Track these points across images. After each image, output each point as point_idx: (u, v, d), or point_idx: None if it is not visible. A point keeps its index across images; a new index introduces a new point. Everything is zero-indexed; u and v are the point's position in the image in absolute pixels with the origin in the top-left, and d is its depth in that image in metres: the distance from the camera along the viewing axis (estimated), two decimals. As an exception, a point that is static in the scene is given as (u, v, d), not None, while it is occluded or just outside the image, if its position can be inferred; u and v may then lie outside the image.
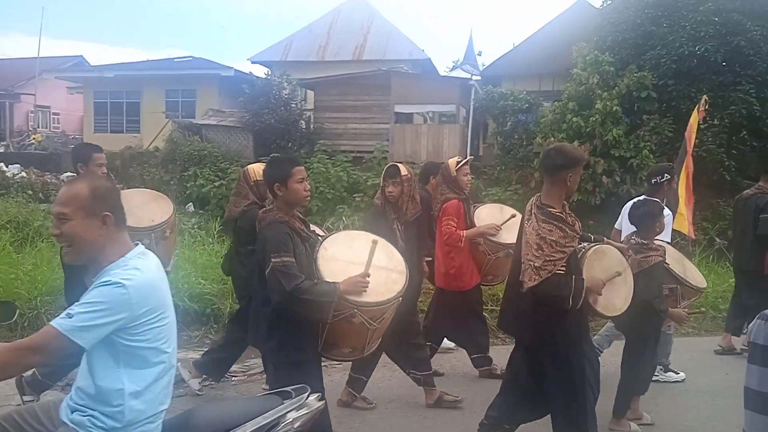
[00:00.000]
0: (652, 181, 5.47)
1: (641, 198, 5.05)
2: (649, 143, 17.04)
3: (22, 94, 29.41)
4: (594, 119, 16.92)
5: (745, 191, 6.63)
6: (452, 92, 20.87)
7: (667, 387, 5.42)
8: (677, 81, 17.47)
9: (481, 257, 5.37)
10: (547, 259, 3.43)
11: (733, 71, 17.18)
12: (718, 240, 16.87)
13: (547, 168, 3.78)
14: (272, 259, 3.12)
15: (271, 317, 3.26)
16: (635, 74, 17.36)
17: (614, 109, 16.91)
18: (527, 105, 20.18)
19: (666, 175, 5.42)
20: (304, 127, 22.05)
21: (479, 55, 36.78)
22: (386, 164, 20.37)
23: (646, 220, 4.42)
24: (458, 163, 5.27)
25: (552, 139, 17.52)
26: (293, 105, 21.48)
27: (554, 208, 3.61)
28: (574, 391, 3.51)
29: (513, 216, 5.35)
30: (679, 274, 4.42)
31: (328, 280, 3.18)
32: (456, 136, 20.53)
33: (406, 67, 23.34)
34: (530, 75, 22.54)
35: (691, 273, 4.62)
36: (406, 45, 25.29)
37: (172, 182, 19.92)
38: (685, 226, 7.36)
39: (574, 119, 17.21)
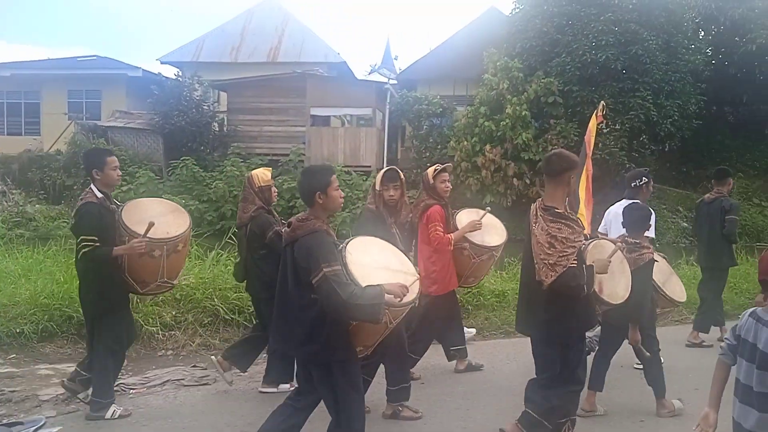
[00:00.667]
0: (632, 184, 5.77)
1: (630, 202, 5.31)
2: (556, 146, 17.69)
3: None
4: (504, 123, 17.44)
5: (707, 195, 7.16)
6: (368, 96, 20.94)
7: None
8: (581, 87, 18.29)
9: (465, 261, 5.43)
10: (561, 255, 3.66)
11: (632, 78, 18.17)
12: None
13: (551, 172, 3.93)
14: (324, 269, 3.16)
15: (314, 321, 3.30)
16: (542, 80, 18.05)
17: (523, 113, 17.51)
18: (441, 109, 20.55)
19: (644, 178, 5.74)
20: (217, 129, 21.50)
21: (396, 59, 37.35)
22: (302, 167, 20.08)
23: (640, 222, 4.69)
24: (435, 170, 5.27)
25: (465, 142, 17.92)
26: (205, 107, 20.88)
27: (558, 209, 3.81)
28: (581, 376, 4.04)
29: (486, 212, 5.57)
30: (657, 282, 4.73)
31: (361, 284, 3.23)
32: (373, 140, 20.60)
33: (322, 69, 23.21)
34: (445, 79, 22.95)
35: (672, 286, 4.91)
36: (322, 48, 25.15)
37: (75, 187, 18.87)
38: (585, 226, 7.66)
39: (486, 123, 17.68)
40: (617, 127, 18.16)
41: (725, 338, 2.87)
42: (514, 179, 17.45)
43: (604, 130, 18.13)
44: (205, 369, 5.57)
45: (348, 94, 20.89)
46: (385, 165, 20.76)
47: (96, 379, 4.48)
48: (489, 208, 5.76)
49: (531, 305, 3.94)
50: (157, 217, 4.42)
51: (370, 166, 20.23)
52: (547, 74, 18.43)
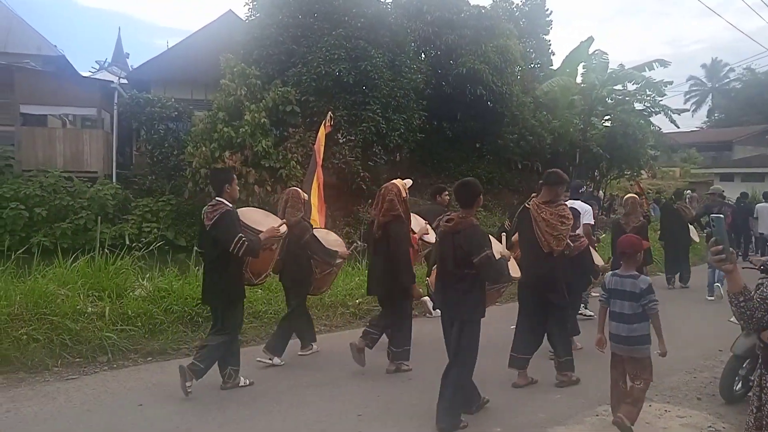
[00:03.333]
0: (580, 191, 6.66)
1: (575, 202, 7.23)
2: (296, 155, 18.06)
3: None
4: (244, 130, 17.26)
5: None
6: (93, 95, 19.08)
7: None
8: (318, 98, 18.93)
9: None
10: (563, 230, 5.40)
11: (363, 92, 19.33)
12: (358, 242, 18.83)
13: (552, 182, 5.47)
14: (486, 251, 4.44)
15: (466, 287, 4.55)
16: (280, 89, 18.27)
17: (262, 121, 17.53)
18: (177, 112, 19.61)
19: (584, 186, 6.54)
20: None
21: (128, 56, 34.76)
22: (11, 171, 17.40)
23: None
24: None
25: (204, 148, 17.31)
26: None
27: (553, 203, 5.47)
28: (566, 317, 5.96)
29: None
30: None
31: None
32: (100, 143, 18.80)
33: (35, 63, 20.51)
34: (182, 82, 21.96)
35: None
36: (34, 38, 22.14)
37: None
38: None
39: (225, 129, 17.31)
40: (352, 137, 19.17)
41: (601, 295, 4.61)
42: (255, 186, 17.35)
43: (340, 141, 19.05)
44: None
45: (68, 92, 18.77)
46: (114, 170, 19.11)
47: (209, 354, 5.23)
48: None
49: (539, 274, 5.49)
50: (261, 220, 5.68)
51: (96, 172, 18.44)
52: (284, 83, 18.72)
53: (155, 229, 16.82)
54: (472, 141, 23.58)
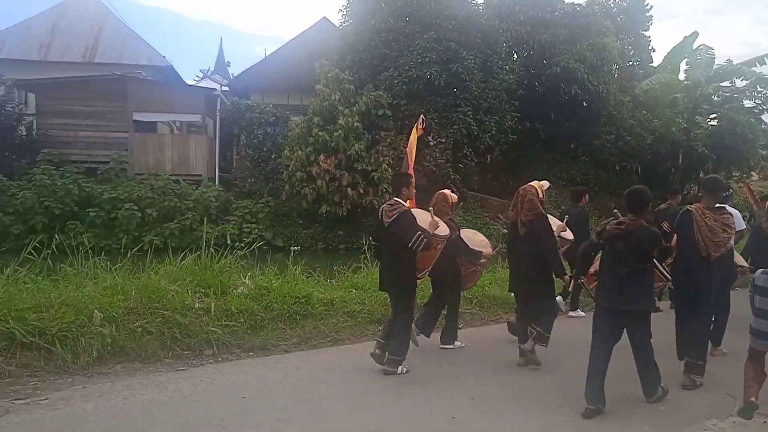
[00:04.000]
0: (724, 194, 6.66)
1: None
2: (387, 158, 18.30)
3: None
4: (338, 134, 17.70)
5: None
6: (197, 102, 20.16)
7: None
8: (409, 101, 19.10)
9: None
10: (724, 238, 5.60)
11: (454, 94, 19.32)
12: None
13: (713, 189, 5.81)
14: (661, 244, 5.18)
15: (644, 279, 5.06)
16: (372, 93, 18.58)
17: (355, 125, 17.90)
18: (274, 118, 20.38)
19: (730, 189, 6.85)
20: (24, 133, 19.37)
21: (229, 65, 36.50)
22: (125, 175, 18.60)
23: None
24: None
25: (299, 152, 17.90)
26: (9, 108, 18.77)
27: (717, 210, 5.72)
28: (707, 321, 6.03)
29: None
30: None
31: None
32: (204, 147, 19.85)
33: (146, 73, 21.94)
34: (279, 88, 22.80)
35: None
36: (145, 50, 23.73)
37: None
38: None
39: (320, 133, 17.81)
40: (442, 140, 19.19)
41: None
42: (349, 189, 17.74)
43: (431, 143, 19.10)
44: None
45: (175, 100, 19.94)
46: (217, 173, 20.12)
47: (397, 342, 5.86)
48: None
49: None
50: (426, 219, 6.01)
51: (200, 175, 19.47)
52: (377, 87, 19.02)
53: (254, 230, 17.53)
54: (566, 142, 22.98)
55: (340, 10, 21.69)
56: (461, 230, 7.05)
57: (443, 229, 6.15)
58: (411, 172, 7.85)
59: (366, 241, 10.47)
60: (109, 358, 5.96)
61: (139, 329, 6.31)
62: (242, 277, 7.91)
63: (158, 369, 5.98)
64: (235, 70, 29.48)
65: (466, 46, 19.49)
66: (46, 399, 5.08)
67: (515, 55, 22.50)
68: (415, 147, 8.13)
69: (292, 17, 79.36)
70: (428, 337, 6.78)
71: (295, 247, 14.80)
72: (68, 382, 5.51)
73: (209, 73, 30.84)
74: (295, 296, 7.43)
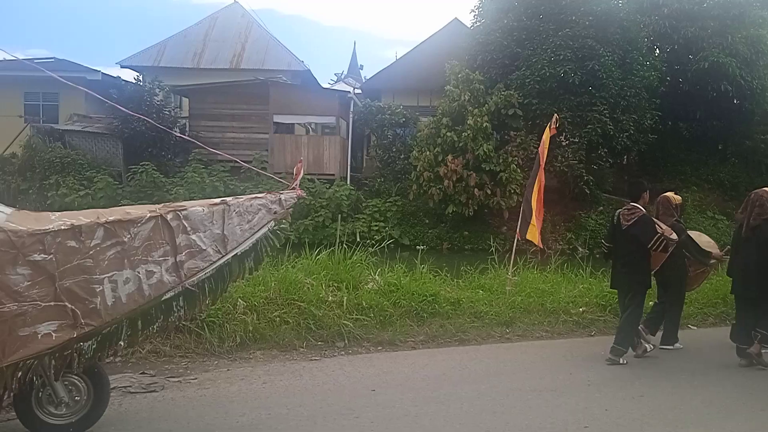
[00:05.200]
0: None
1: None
2: (516, 158, 17.99)
3: None
4: (466, 134, 17.67)
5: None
6: (332, 104, 20.99)
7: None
8: (540, 100, 18.64)
9: None
10: None
11: (589, 93, 18.58)
12: (581, 249, 18.16)
13: None
14: None
15: None
16: (503, 93, 18.34)
17: (484, 125, 17.77)
18: (404, 119, 20.72)
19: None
20: (178, 135, 21.23)
21: (362, 68, 37.56)
22: (266, 174, 19.77)
23: None
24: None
25: (428, 152, 18.12)
26: (166, 112, 20.63)
27: None
28: None
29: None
30: None
31: None
32: (337, 148, 20.64)
33: (286, 77, 23.17)
34: (409, 90, 23.16)
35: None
36: (286, 55, 25.13)
37: (30, 191, 18.47)
38: (536, 237, 7.87)
39: (448, 134, 17.88)
40: (575, 140, 18.53)
41: None
42: (476, 189, 17.66)
43: (563, 143, 18.52)
44: (153, 376, 5.52)
45: (311, 102, 20.91)
46: (348, 173, 20.84)
47: (623, 334, 6.28)
48: None
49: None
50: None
51: (333, 174, 20.26)
52: (507, 87, 18.75)
53: (383, 228, 17.96)
54: (713, 142, 21.37)
55: (472, 11, 21.67)
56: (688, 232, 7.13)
57: (672, 233, 6.34)
58: (541, 171, 7.70)
59: (493, 243, 10.40)
60: (250, 344, 6.35)
61: (277, 318, 6.69)
62: (372, 273, 8.15)
63: (294, 357, 6.31)
64: (367, 73, 30.36)
65: (604, 42, 18.68)
66: (195, 378, 5.54)
67: (657, 51, 21.24)
68: (547, 147, 7.95)
69: (423, 20, 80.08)
70: (653, 335, 6.89)
71: (421, 246, 14.99)
72: (214, 364, 5.95)
73: (343, 77, 31.97)
74: (422, 294, 7.52)
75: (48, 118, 22.75)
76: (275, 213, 4.45)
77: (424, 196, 18.29)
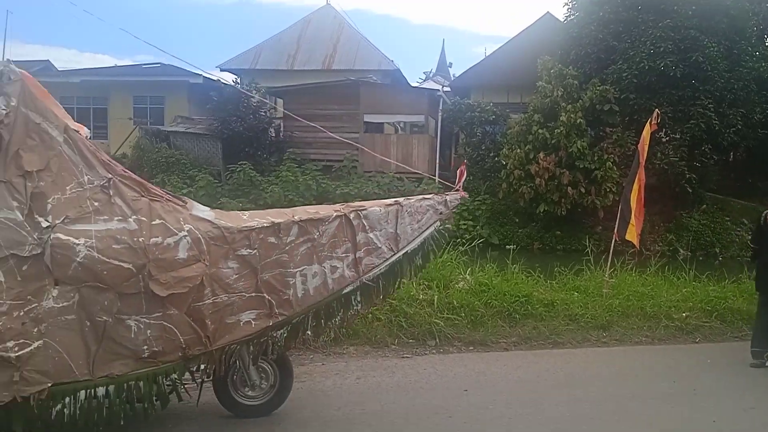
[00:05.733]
0: None
1: None
2: (612, 155, 17.36)
3: (-15, 97, 28.74)
4: (559, 131, 17.22)
5: None
6: (421, 103, 21.05)
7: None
8: (638, 95, 17.87)
9: None
10: None
11: (692, 86, 17.62)
12: (682, 251, 17.29)
13: None
14: None
15: None
16: (598, 88, 17.72)
17: (578, 121, 17.24)
18: (494, 116, 20.46)
19: None
20: (273, 135, 22.00)
21: (450, 66, 37.36)
22: (356, 172, 20.09)
23: None
24: None
25: (518, 150, 17.82)
26: (262, 113, 21.41)
27: None
28: None
29: None
30: None
31: None
32: (425, 146, 20.69)
33: (376, 77, 23.46)
34: (499, 87, 22.83)
35: None
36: (376, 55, 25.44)
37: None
38: (635, 237, 7.57)
39: (540, 131, 17.50)
40: (677, 136, 17.65)
41: None
42: (569, 188, 17.18)
43: (663, 140, 17.67)
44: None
45: (401, 101, 21.06)
46: (437, 171, 20.83)
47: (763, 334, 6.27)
48: None
49: None
50: None
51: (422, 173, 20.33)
52: (602, 81, 18.10)
53: (471, 227, 17.83)
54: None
55: (566, 4, 21.03)
56: None
57: None
58: (641, 169, 7.41)
59: (589, 243, 10.09)
60: (344, 340, 6.50)
61: (370, 315, 6.78)
62: (462, 273, 8.14)
63: (386, 354, 6.41)
64: (456, 70, 30.21)
65: (708, 32, 17.65)
66: (293, 371, 5.78)
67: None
68: (647, 144, 7.64)
69: (514, 15, 78.68)
70: None
71: (512, 246, 14.75)
72: (310, 358, 6.14)
73: (431, 75, 31.96)
74: (514, 295, 7.44)
75: (154, 120, 24.20)
76: (441, 213, 4.68)
77: (514, 195, 17.99)
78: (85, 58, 72.79)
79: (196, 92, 23.87)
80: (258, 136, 20.88)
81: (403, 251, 4.56)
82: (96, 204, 3.80)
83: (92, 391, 3.71)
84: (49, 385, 3.57)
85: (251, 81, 21.87)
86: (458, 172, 5.13)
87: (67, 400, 3.64)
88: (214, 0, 79.41)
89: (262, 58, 26.02)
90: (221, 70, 26.20)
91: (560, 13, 22.45)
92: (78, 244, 3.63)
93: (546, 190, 17.28)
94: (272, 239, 4.16)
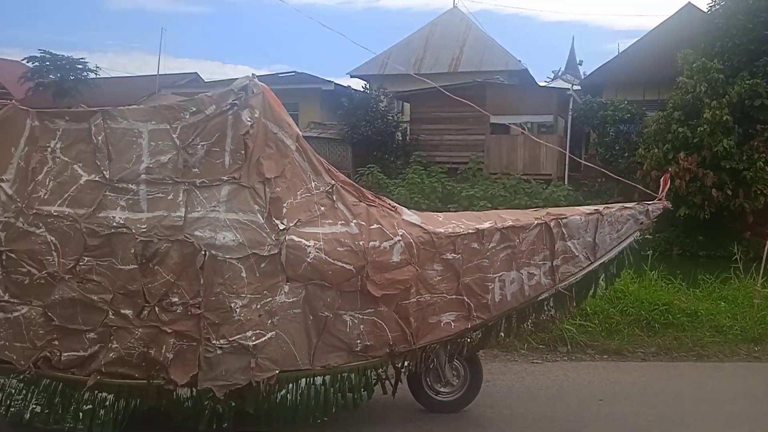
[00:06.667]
0: None
1: None
2: (763, 155, 15.98)
3: (144, 108, 31.70)
4: (702, 129, 16.10)
5: None
6: (550, 102, 20.52)
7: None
8: (795, 88, 16.28)
9: None
10: None
11: None
12: None
13: None
14: None
15: None
16: (747, 82, 16.35)
17: (724, 118, 16.02)
18: (629, 115, 19.55)
19: None
20: (400, 138, 22.43)
21: (580, 64, 35.92)
22: (481, 174, 20.03)
23: None
24: None
25: (656, 150, 16.88)
26: (390, 117, 21.91)
27: None
28: None
29: None
30: None
31: None
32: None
33: (503, 77, 23.17)
34: (634, 84, 21.74)
35: None
36: (503, 56, 25.13)
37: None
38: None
39: (680, 129, 16.47)
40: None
41: None
42: (713, 190, 16.00)
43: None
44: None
45: (528, 102, 20.64)
46: (566, 173, 20.22)
47: None
48: None
49: None
50: None
51: (550, 175, 19.83)
52: (752, 75, 16.64)
53: (603, 231, 17.12)
54: None
55: (710, -7, 19.58)
56: None
57: None
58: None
59: (737, 249, 9.37)
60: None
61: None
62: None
63: (514, 358, 6.37)
64: (586, 68, 29.00)
65: None
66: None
67: None
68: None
69: (649, 9, 74.32)
70: None
71: (649, 251, 14.00)
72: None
73: (560, 73, 30.92)
74: (653, 303, 7.11)
75: (289, 126, 25.47)
76: (641, 223, 4.75)
77: (651, 197, 17.03)
78: (228, 69, 78.45)
79: (327, 99, 24.86)
80: (385, 140, 21.40)
81: (600, 261, 4.58)
82: (322, 208, 4.16)
83: (311, 379, 4.06)
84: (277, 372, 3.95)
85: (379, 86, 22.45)
86: (662, 180, 5.10)
87: (290, 386, 4.02)
88: (345, 8, 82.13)
89: (390, 64, 26.58)
90: (351, 77, 27.15)
91: (703, 3, 21.00)
92: (308, 246, 3.99)
93: (687, 192, 16.18)
94: (475, 245, 4.34)
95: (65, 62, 27.05)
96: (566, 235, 4.49)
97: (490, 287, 4.36)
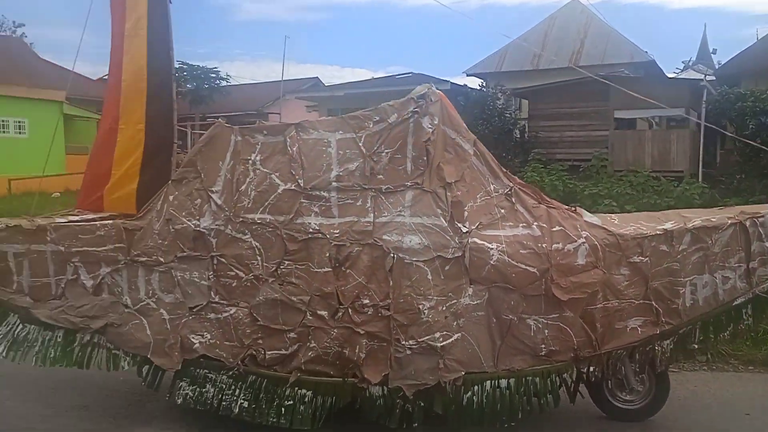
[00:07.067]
0: None
1: None
2: None
3: (270, 113, 33.33)
4: None
5: None
6: (680, 95, 19.40)
7: None
8: None
9: None
10: None
11: None
12: None
13: None
14: None
15: None
16: None
17: None
18: (773, 105, 18.14)
19: None
20: (518, 136, 22.10)
21: (714, 53, 33.59)
22: (605, 172, 19.27)
23: None
24: None
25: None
26: (507, 115, 21.64)
27: None
28: None
29: None
30: None
31: None
32: (686, 142, 19.09)
33: (628, 70, 22.20)
34: (776, 71, 20.18)
35: None
36: (627, 47, 23.98)
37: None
38: None
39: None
40: None
41: None
42: None
43: None
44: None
45: (656, 95, 19.48)
46: (700, 169, 19.11)
47: None
48: None
49: None
50: None
51: (682, 171, 18.81)
52: None
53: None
54: None
55: None
56: None
57: None
58: None
59: None
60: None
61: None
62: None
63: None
64: (720, 57, 27.28)
65: None
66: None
67: None
68: None
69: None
70: None
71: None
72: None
73: (691, 64, 29.27)
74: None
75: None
76: None
77: (805, 197, 15.77)
78: (346, 73, 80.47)
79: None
80: (503, 138, 21.17)
81: None
82: (502, 211, 4.25)
83: (496, 382, 4.12)
84: (463, 373, 4.06)
85: (497, 83, 22.22)
86: None
87: (475, 388, 4.10)
88: (460, 6, 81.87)
89: (507, 60, 26.20)
90: (467, 75, 27.02)
91: None
92: (491, 249, 4.08)
93: None
94: (664, 247, 4.24)
95: (200, 72, 28.96)
96: (764, 235, 4.26)
97: (681, 291, 4.21)
